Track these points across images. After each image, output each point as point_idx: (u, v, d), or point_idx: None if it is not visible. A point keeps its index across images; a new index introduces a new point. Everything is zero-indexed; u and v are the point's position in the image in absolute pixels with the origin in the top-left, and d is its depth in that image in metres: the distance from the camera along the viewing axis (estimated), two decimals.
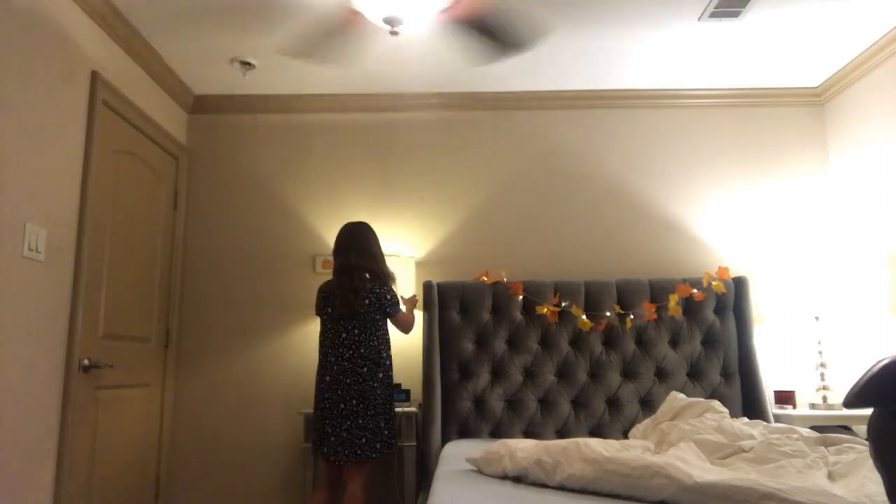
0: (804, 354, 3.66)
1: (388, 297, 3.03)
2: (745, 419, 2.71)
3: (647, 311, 3.49)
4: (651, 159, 3.93)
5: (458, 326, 3.49)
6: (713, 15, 3.08)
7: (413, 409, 3.36)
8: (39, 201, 2.54)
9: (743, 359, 3.48)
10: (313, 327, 3.68)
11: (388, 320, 3.09)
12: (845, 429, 3.35)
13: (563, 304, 3.49)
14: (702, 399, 2.80)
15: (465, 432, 3.39)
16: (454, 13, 2.59)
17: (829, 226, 3.82)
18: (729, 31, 3.26)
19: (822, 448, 2.18)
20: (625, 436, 3.28)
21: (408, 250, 3.80)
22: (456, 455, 2.68)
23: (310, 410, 3.33)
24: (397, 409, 3.23)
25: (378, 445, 2.88)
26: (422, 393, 3.36)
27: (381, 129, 3.97)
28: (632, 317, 3.49)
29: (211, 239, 3.87)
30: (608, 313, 3.49)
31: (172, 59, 3.50)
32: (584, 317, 3.47)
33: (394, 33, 2.54)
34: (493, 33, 2.72)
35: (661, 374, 3.45)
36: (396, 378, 3.60)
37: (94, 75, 2.91)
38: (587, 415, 3.40)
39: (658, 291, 3.53)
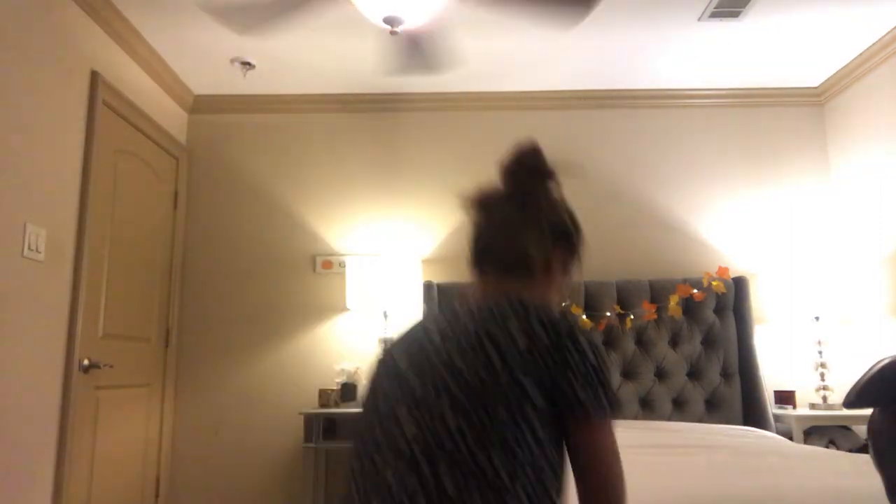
0: (804, 354, 3.66)
1: None
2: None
3: (647, 311, 3.48)
4: (651, 159, 3.93)
5: None
6: (713, 15, 3.08)
7: None
8: (39, 201, 2.54)
9: (743, 359, 3.48)
10: (313, 326, 3.68)
11: None
12: (845, 429, 3.36)
13: (563, 305, 3.49)
14: None
15: None
16: (412, 30, 2.76)
17: (829, 226, 3.82)
18: (729, 31, 3.26)
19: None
20: None
21: (407, 250, 3.80)
22: None
23: (309, 410, 3.33)
24: None
25: None
26: None
27: (381, 129, 3.97)
28: (632, 317, 3.49)
29: (211, 239, 3.87)
30: (608, 313, 3.48)
31: (172, 59, 3.50)
32: (583, 317, 3.47)
33: (394, 33, 2.54)
34: (423, 53, 2.98)
35: (661, 375, 3.45)
36: None
37: (94, 75, 2.91)
38: None
39: (658, 291, 3.53)
